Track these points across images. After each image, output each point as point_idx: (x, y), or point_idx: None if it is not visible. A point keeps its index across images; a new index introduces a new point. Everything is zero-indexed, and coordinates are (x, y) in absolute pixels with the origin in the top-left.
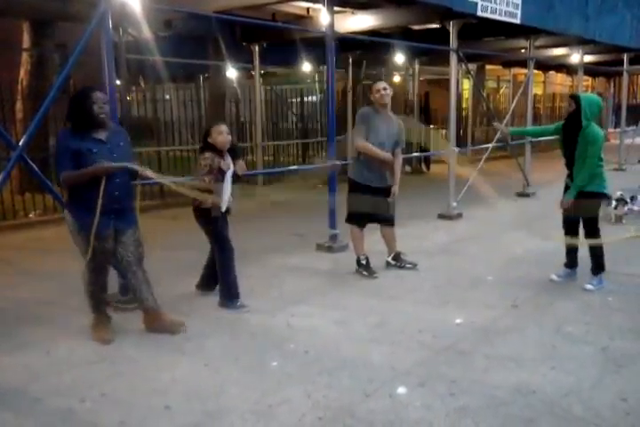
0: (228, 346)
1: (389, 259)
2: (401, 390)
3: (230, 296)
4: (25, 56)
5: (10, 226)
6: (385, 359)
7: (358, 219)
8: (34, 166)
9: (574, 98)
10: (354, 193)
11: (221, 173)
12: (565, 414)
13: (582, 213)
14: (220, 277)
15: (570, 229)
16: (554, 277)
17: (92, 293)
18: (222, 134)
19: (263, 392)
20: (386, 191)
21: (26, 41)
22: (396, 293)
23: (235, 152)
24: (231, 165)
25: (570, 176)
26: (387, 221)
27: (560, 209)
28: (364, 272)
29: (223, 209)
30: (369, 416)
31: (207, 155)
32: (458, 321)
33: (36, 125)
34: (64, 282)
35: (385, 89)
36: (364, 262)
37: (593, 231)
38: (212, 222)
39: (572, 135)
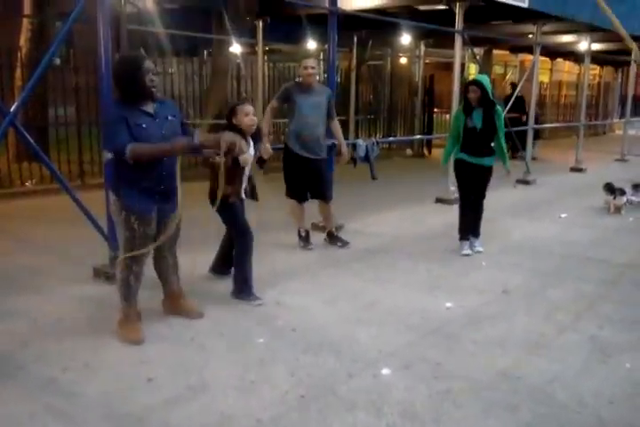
0: (215, 321)
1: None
2: (385, 371)
3: (246, 287)
4: (25, 23)
5: (5, 194)
6: (371, 340)
7: (297, 193)
8: (26, 134)
9: (477, 84)
10: (289, 164)
11: (235, 161)
12: (549, 401)
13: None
14: (235, 266)
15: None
16: (466, 251)
17: (125, 280)
18: (249, 116)
19: (247, 368)
20: (320, 163)
21: (27, 7)
22: (388, 275)
23: (257, 135)
24: (252, 151)
25: (474, 152)
26: (322, 196)
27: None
28: (301, 243)
29: (242, 196)
30: (351, 396)
31: (231, 135)
32: (448, 305)
33: (29, 93)
34: (55, 252)
35: (313, 68)
36: (303, 235)
37: (484, 198)
38: (228, 209)
39: (488, 114)
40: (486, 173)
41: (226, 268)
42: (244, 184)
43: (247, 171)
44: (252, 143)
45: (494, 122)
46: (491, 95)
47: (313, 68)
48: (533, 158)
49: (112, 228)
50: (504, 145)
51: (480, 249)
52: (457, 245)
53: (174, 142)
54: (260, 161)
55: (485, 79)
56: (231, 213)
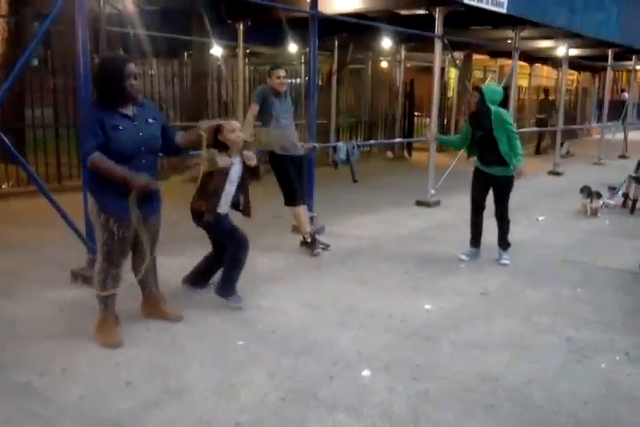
0: (195, 325)
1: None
2: (365, 373)
3: (231, 286)
4: (2, 23)
5: None
6: (351, 343)
7: (300, 196)
8: (2, 136)
9: (477, 89)
10: (286, 168)
11: (220, 176)
12: (526, 402)
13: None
14: (226, 268)
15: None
16: (462, 256)
17: (102, 283)
18: (235, 132)
19: (226, 372)
20: (303, 160)
21: (3, 7)
22: (368, 278)
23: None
24: (238, 169)
25: (484, 160)
26: (304, 196)
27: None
28: (310, 250)
29: (223, 211)
30: (331, 398)
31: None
32: (427, 307)
33: (5, 94)
34: (32, 255)
35: (285, 77)
36: (309, 240)
37: (505, 209)
38: (210, 223)
39: (484, 121)
40: (498, 183)
41: (204, 282)
42: (226, 200)
43: (229, 187)
44: (238, 159)
45: (492, 128)
46: (489, 102)
47: (285, 77)
48: (568, 153)
49: (90, 230)
50: (513, 145)
51: (505, 262)
52: (436, 248)
53: (135, 176)
54: (253, 172)
55: (490, 88)
56: (213, 227)
